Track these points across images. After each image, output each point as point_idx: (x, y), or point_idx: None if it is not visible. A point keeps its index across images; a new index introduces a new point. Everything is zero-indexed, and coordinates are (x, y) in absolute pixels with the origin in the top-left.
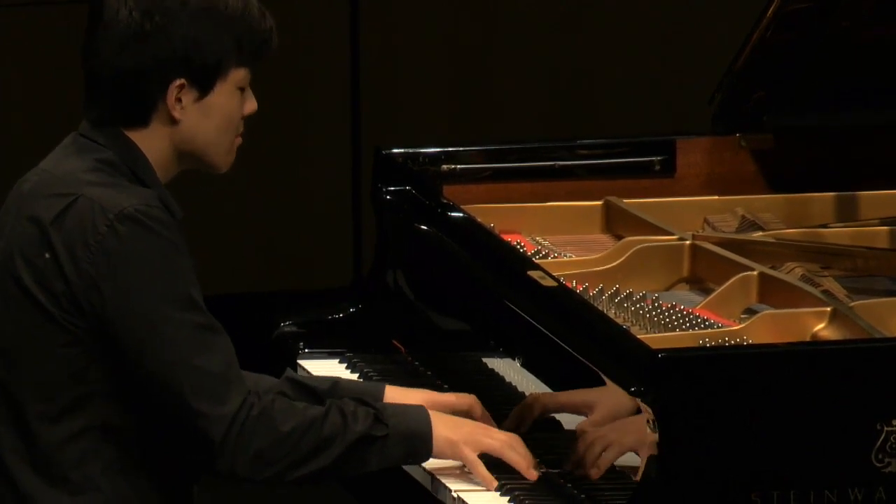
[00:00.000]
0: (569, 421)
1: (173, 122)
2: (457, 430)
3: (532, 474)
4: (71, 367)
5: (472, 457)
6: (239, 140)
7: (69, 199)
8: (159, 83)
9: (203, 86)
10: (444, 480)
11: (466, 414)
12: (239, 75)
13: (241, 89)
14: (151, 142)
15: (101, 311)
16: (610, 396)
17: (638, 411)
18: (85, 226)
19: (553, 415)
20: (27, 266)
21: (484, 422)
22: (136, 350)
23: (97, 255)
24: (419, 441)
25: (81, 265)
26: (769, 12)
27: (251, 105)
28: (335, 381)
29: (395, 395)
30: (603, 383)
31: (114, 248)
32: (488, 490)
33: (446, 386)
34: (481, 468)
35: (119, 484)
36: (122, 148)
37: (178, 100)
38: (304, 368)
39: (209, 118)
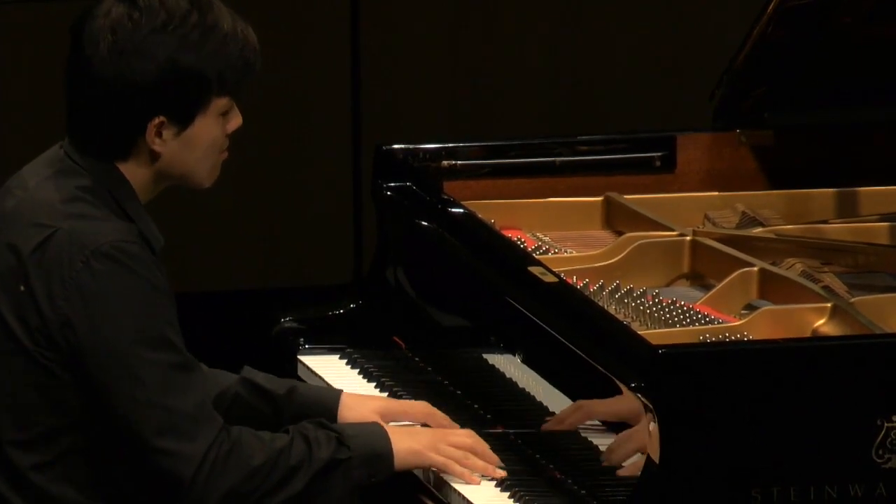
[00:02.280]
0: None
1: (154, 155)
2: (417, 440)
3: (499, 473)
4: (48, 398)
5: (441, 459)
6: (224, 155)
7: (47, 232)
8: (138, 120)
9: (183, 121)
10: (446, 477)
11: (424, 424)
12: (220, 104)
13: (225, 113)
14: (133, 170)
15: (76, 348)
16: None
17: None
18: (62, 261)
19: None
20: (4, 294)
21: (444, 425)
22: (107, 388)
23: (71, 291)
24: (380, 460)
25: (56, 301)
26: (769, 9)
27: (235, 122)
28: (293, 387)
29: (352, 401)
30: (603, 379)
31: (88, 285)
32: (495, 474)
33: (446, 382)
34: (455, 467)
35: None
36: (104, 175)
37: (159, 134)
38: (304, 364)
39: (191, 149)
